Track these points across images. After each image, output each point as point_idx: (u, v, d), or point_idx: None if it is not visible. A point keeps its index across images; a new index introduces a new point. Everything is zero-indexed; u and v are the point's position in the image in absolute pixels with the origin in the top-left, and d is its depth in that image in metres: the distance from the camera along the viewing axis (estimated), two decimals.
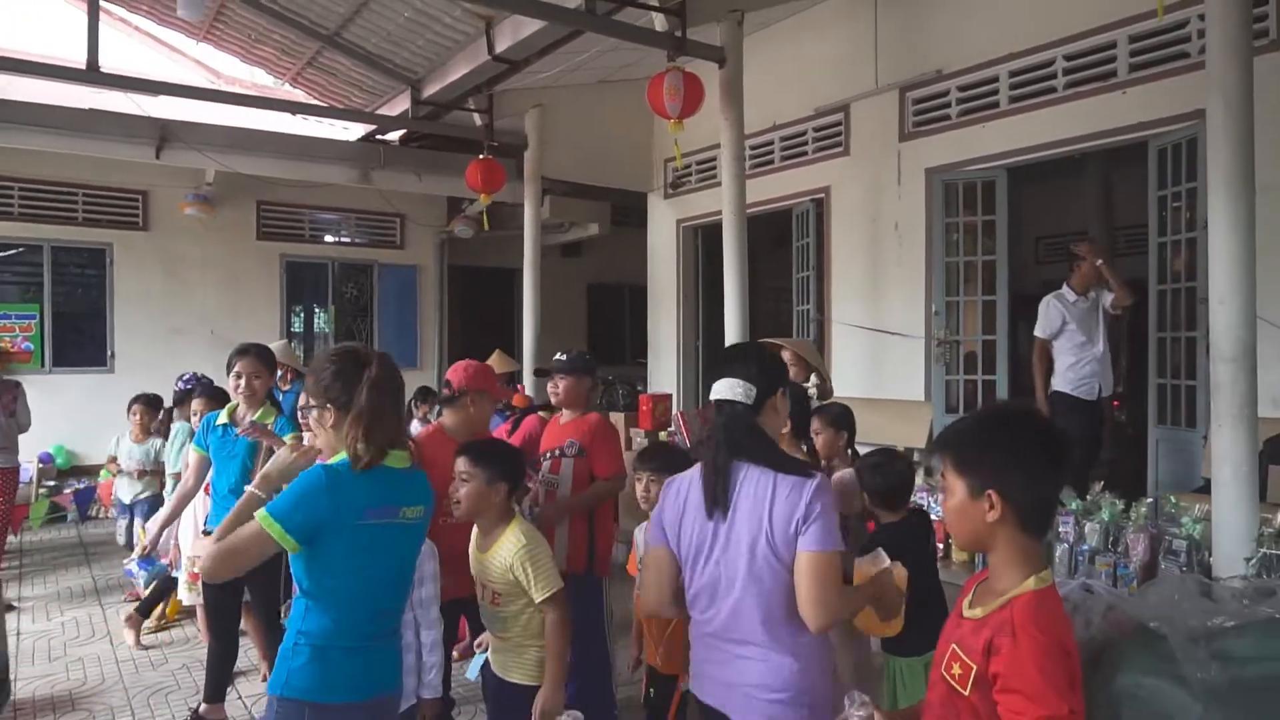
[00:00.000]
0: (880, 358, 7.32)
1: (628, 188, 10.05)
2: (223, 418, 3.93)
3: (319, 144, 9.30)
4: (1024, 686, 1.39)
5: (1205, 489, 4.57)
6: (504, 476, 2.55)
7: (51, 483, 8.44)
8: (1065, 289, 5.94)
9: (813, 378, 5.12)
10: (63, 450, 8.79)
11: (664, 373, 9.89)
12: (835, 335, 7.72)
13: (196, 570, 4.41)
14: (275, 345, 6.44)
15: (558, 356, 3.72)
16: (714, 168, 9.01)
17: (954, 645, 1.53)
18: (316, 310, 10.76)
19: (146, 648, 4.95)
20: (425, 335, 11.05)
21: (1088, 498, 4.70)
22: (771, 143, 8.29)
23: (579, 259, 12.87)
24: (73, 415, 8.82)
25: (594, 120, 9.47)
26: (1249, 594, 3.49)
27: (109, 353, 9.25)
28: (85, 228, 9.18)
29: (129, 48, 10.99)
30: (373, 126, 9.58)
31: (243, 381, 3.86)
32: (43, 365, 8.83)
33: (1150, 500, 4.47)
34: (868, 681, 3.49)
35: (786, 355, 4.55)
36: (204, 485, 4.30)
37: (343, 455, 2.08)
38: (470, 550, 2.67)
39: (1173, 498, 4.43)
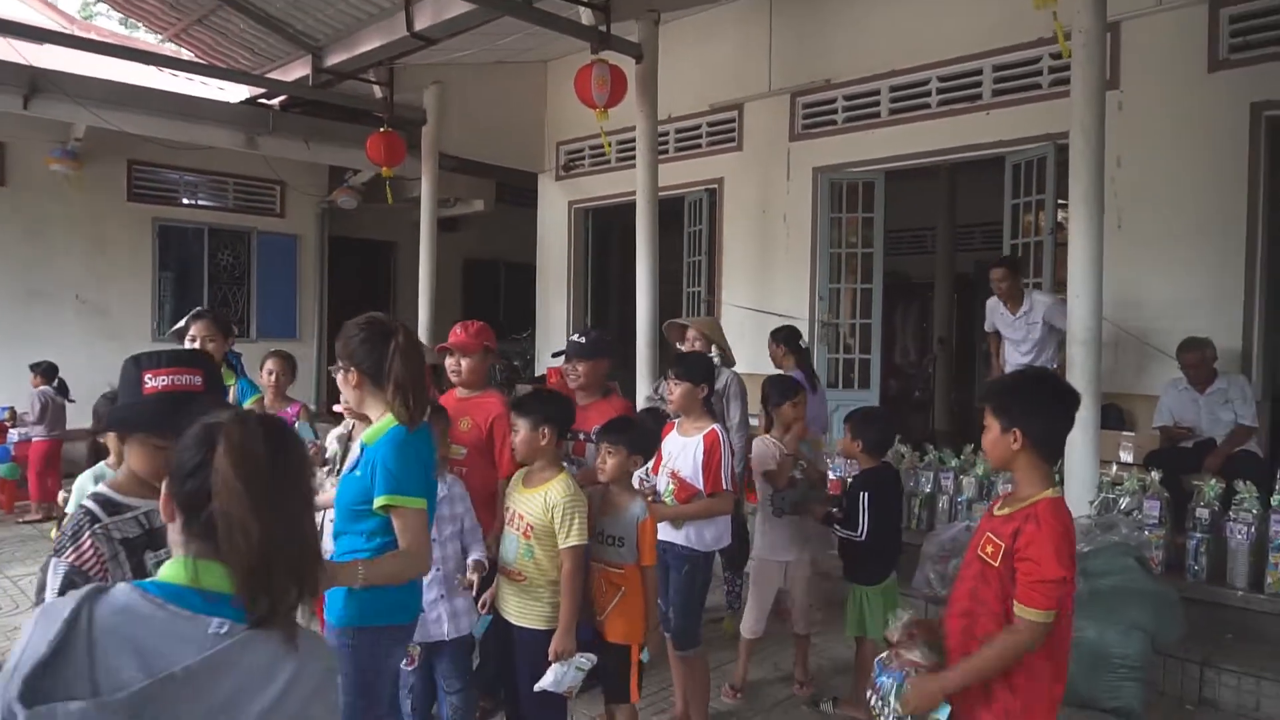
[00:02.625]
0: (765, 337, 8.05)
1: (519, 167, 10.33)
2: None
3: (204, 105, 9.00)
4: (1040, 557, 2.01)
5: None
6: (547, 419, 2.88)
7: None
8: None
9: (713, 349, 5.73)
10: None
11: (554, 347, 10.26)
12: (725, 315, 8.39)
13: None
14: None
15: (575, 338, 3.87)
16: (604, 153, 9.50)
17: (988, 533, 2.14)
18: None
19: None
20: (305, 306, 10.87)
21: (959, 457, 5.60)
22: (667, 134, 8.83)
23: (455, 234, 12.94)
24: None
25: (489, 99, 9.69)
26: (1098, 527, 4.43)
27: None
28: None
29: None
30: (257, 90, 9.34)
31: (196, 344, 3.92)
32: None
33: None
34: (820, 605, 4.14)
35: (690, 332, 5.09)
36: None
37: (385, 421, 2.35)
38: (511, 487, 3.04)
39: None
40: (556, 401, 3.00)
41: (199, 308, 4.43)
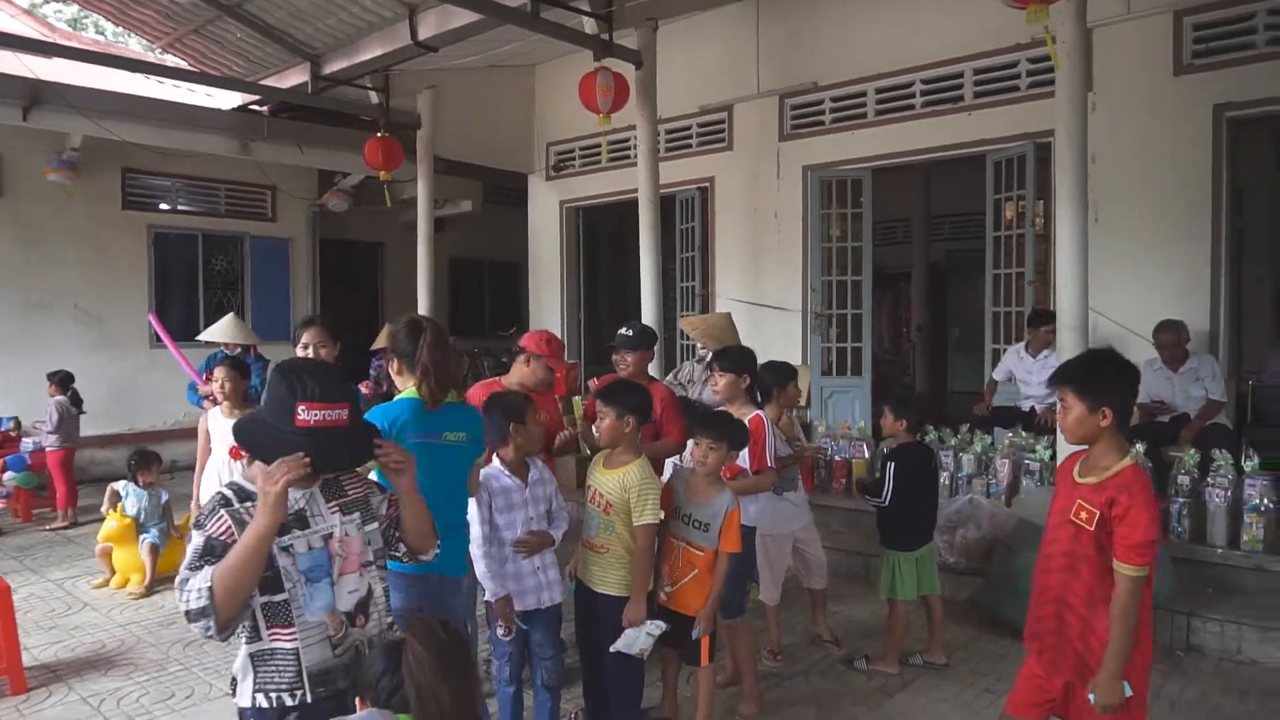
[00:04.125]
0: (760, 328, 8.40)
1: (510, 168, 10.57)
2: None
3: (199, 112, 9.10)
4: (1137, 521, 2.32)
5: (1032, 424, 6.02)
6: (631, 409, 3.20)
7: None
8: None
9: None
10: None
11: None
12: (718, 309, 8.74)
13: None
14: (224, 324, 6.64)
15: (623, 331, 4.21)
16: (597, 154, 9.77)
17: (1079, 500, 2.43)
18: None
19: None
20: (298, 307, 10.97)
21: (957, 437, 6.03)
22: (658, 135, 9.13)
23: (440, 234, 13.05)
24: None
25: (481, 103, 9.93)
26: None
27: None
28: None
29: None
30: (250, 97, 9.46)
31: (309, 351, 4.14)
32: None
33: (1008, 435, 5.82)
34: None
35: (696, 330, 5.45)
36: (231, 449, 4.60)
37: (409, 392, 2.98)
38: (592, 468, 3.34)
39: (1024, 433, 5.79)
40: (639, 393, 3.31)
41: (309, 314, 4.48)
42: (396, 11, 7.56)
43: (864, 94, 7.72)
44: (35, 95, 7.87)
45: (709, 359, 5.26)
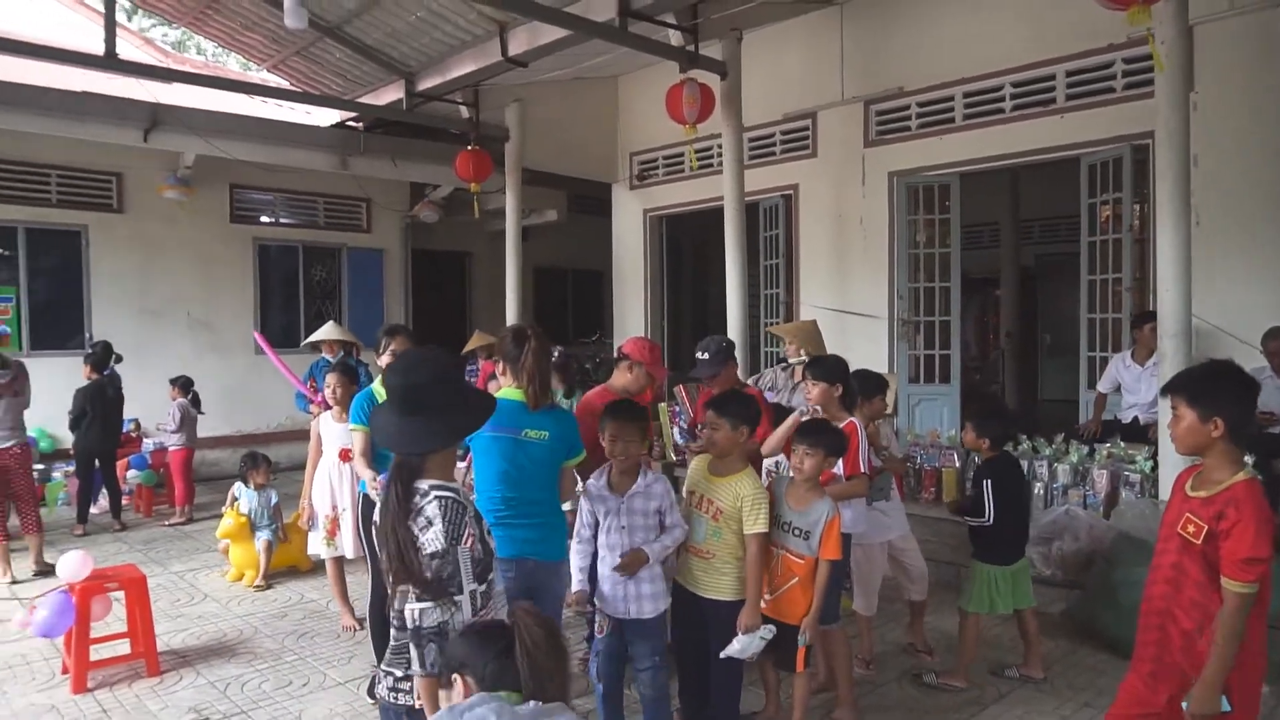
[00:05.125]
0: (844, 335, 8.37)
1: (594, 178, 10.77)
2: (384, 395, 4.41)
3: (300, 130, 9.56)
4: (1243, 537, 2.29)
5: (1132, 435, 5.87)
6: (744, 421, 3.30)
7: (40, 466, 8.41)
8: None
9: (802, 352, 6.09)
10: (44, 433, 8.75)
11: None
12: (802, 316, 8.75)
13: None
14: (327, 326, 6.99)
15: (700, 356, 4.25)
16: (680, 163, 9.91)
17: (1187, 513, 2.41)
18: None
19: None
20: (390, 315, 11.38)
21: (1052, 446, 5.92)
22: (743, 143, 9.20)
23: (526, 243, 13.39)
24: (52, 398, 8.77)
25: (566, 114, 10.15)
26: None
27: (87, 335, 9.21)
28: (60, 209, 9.08)
29: (80, 25, 10.84)
30: (347, 114, 9.89)
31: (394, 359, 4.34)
32: (20, 348, 8.73)
33: (1106, 446, 5.69)
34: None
35: (791, 335, 5.47)
36: (341, 452, 4.85)
37: (505, 391, 3.24)
38: (699, 470, 3.41)
39: (1121, 443, 5.66)
40: (752, 404, 3.42)
41: (394, 323, 4.69)
42: (488, 29, 7.82)
43: (951, 98, 7.64)
44: (155, 118, 8.40)
45: (789, 365, 5.33)
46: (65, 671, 4.35)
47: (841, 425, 3.81)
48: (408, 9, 7.85)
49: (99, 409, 7.38)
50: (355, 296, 11.14)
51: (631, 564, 3.22)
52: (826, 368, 3.99)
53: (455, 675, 1.92)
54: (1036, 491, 5.65)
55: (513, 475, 3.22)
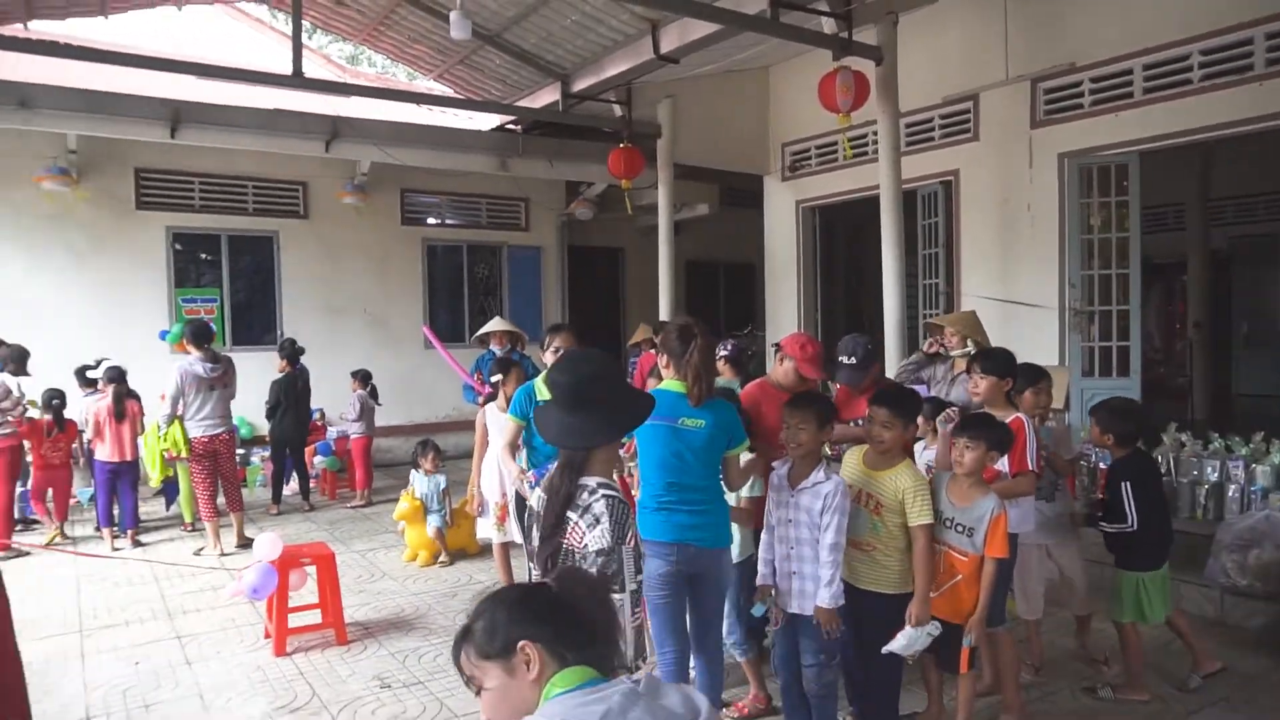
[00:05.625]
0: (1010, 326, 8.00)
1: (745, 171, 10.74)
2: (546, 392, 4.57)
3: (465, 135, 10.06)
4: None
5: None
6: (909, 416, 3.28)
7: (240, 451, 9.27)
8: None
9: (969, 343, 5.84)
10: (244, 421, 9.62)
11: None
12: (964, 306, 8.41)
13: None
14: (495, 320, 7.35)
15: (846, 362, 4.11)
16: (833, 153, 9.73)
17: None
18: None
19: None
20: (548, 310, 11.82)
21: (1250, 446, 5.45)
22: (899, 129, 8.94)
23: (678, 237, 13.54)
24: (249, 390, 9.64)
25: (717, 108, 10.17)
26: None
27: (278, 331, 10.07)
28: (255, 217, 9.98)
29: (260, 44, 11.81)
30: (506, 118, 10.32)
31: (560, 355, 4.50)
32: (224, 344, 9.65)
33: None
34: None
35: (957, 327, 5.23)
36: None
37: (667, 383, 3.33)
38: (855, 464, 3.37)
39: None
40: (913, 398, 3.40)
41: (558, 321, 4.84)
42: (640, 28, 7.96)
43: (1129, 71, 7.12)
44: (335, 130, 9.07)
45: (949, 357, 5.12)
46: (267, 636, 4.81)
47: (1008, 419, 3.67)
48: (563, 13, 8.11)
49: (291, 399, 8.07)
50: (515, 293, 11.61)
51: (828, 621, 3.16)
52: (996, 361, 3.86)
53: (521, 644, 1.49)
54: (1231, 494, 5.22)
55: (672, 463, 3.30)
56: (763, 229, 10.96)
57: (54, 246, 8.97)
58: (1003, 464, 3.68)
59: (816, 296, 10.50)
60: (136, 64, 7.09)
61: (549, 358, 4.63)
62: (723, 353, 4.94)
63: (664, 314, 9.77)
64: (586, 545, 2.19)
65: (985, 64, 8.07)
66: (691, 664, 3.47)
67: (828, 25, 7.09)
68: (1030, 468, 3.69)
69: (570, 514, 2.23)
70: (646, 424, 3.21)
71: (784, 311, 10.62)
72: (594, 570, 2.15)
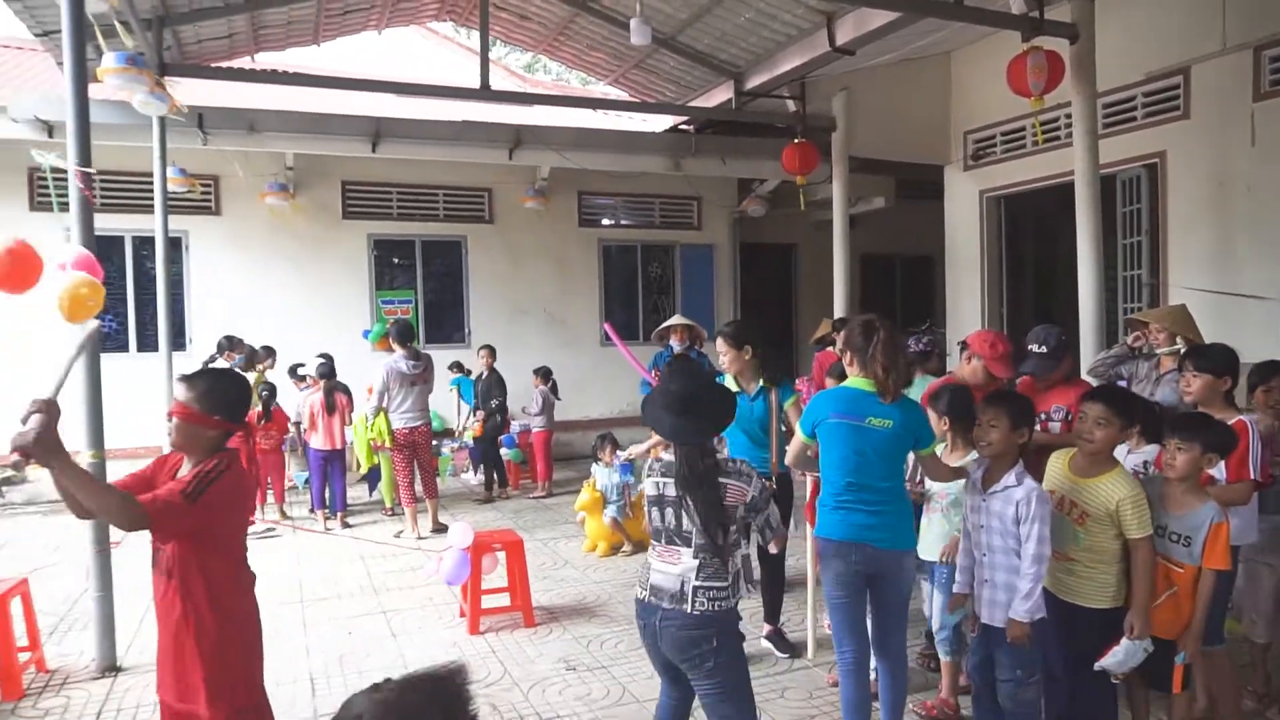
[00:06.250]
0: (1226, 320, 7.29)
1: (924, 161, 10.37)
2: (733, 386, 4.55)
3: (639, 137, 10.29)
4: None
5: None
6: (1127, 418, 3.07)
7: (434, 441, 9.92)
8: None
9: (1177, 340, 5.35)
10: (435, 415, 10.29)
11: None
12: (1172, 299, 7.75)
13: None
14: (676, 317, 7.52)
15: (1036, 349, 3.94)
16: (1021, 138, 9.22)
17: None
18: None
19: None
20: (720, 308, 11.90)
21: None
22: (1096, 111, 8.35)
23: (852, 231, 13.24)
24: (440, 385, 10.30)
25: (894, 98, 9.87)
26: None
27: (466, 330, 10.71)
28: (445, 223, 10.65)
29: (443, 56, 12.55)
30: (679, 119, 10.47)
31: (726, 360, 4.51)
32: (419, 342, 10.34)
33: None
34: None
35: (1168, 323, 4.80)
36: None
37: (854, 381, 3.32)
38: (1059, 470, 3.19)
39: None
40: (1136, 401, 3.24)
41: (728, 321, 4.75)
42: (814, 21, 7.85)
43: None
44: (518, 137, 9.52)
45: (1155, 355, 4.74)
46: (462, 615, 5.15)
47: (1230, 423, 3.38)
48: (737, 12, 8.13)
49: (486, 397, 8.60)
50: (688, 291, 11.77)
51: (1018, 637, 3.00)
52: (1212, 358, 3.56)
53: None
54: None
55: (854, 461, 3.26)
56: (942, 221, 10.54)
57: (274, 255, 9.94)
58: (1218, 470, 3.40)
59: (1001, 290, 9.98)
60: (345, 86, 7.76)
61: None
62: (916, 348, 4.90)
63: (839, 309, 9.60)
64: (752, 495, 2.73)
65: (1197, 34, 7.40)
66: (874, 665, 3.43)
67: (1016, 4, 6.73)
68: (1253, 475, 3.38)
69: (722, 479, 2.71)
70: (831, 420, 3.31)
71: (966, 306, 10.18)
72: (765, 510, 2.82)
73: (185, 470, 2.53)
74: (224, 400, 2.57)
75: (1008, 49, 6.80)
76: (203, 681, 2.49)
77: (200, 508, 2.35)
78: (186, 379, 2.58)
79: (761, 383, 4.55)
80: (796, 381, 7.80)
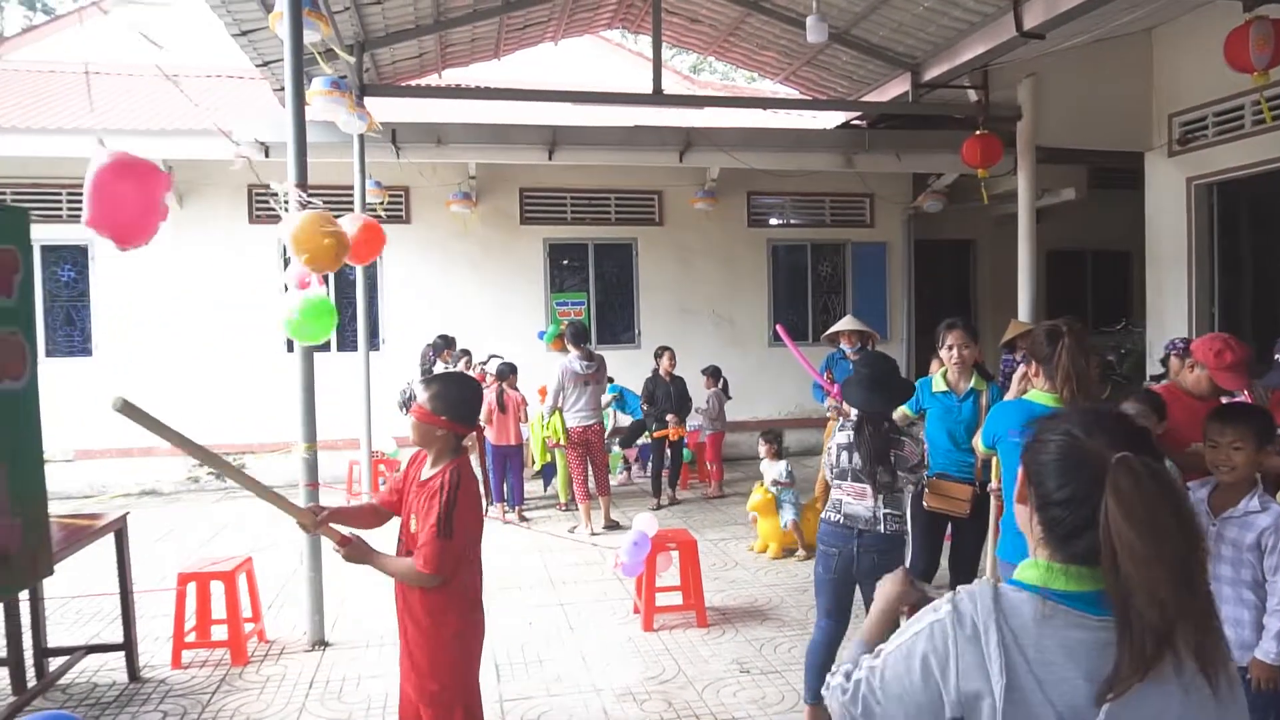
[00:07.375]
0: None
1: (1121, 148, 9.62)
2: (940, 384, 4.44)
3: (810, 135, 10.14)
4: None
5: None
6: (1268, 441, 2.82)
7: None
8: None
9: None
10: (605, 414, 10.53)
11: (1169, 340, 9.36)
12: None
13: None
14: (846, 319, 7.34)
15: None
16: (1238, 119, 8.40)
17: None
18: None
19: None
20: (894, 308, 11.53)
21: None
22: None
23: (1038, 225, 12.46)
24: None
25: (1087, 83, 9.21)
26: None
27: (635, 330, 10.92)
28: (617, 226, 10.89)
29: (613, 63, 12.80)
30: (851, 115, 10.22)
31: (954, 352, 4.35)
32: (592, 343, 10.64)
33: None
34: None
35: None
36: None
37: (1038, 395, 3.22)
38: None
39: None
40: (1262, 420, 2.90)
41: (951, 319, 4.46)
42: (999, 6, 7.44)
43: None
44: (688, 140, 9.60)
45: None
46: (635, 611, 5.25)
47: None
48: (916, 1, 7.85)
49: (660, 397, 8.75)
50: (860, 290, 11.47)
51: (1267, 679, 2.70)
52: None
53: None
54: None
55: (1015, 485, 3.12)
56: (1141, 212, 9.74)
57: (458, 260, 10.50)
58: None
59: (1212, 289, 9.11)
60: (526, 98, 8.07)
61: (945, 356, 4.39)
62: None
63: (1023, 308, 9.08)
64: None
65: None
66: None
67: None
68: None
69: (900, 437, 3.60)
70: (1011, 440, 3.20)
71: (1171, 306, 9.36)
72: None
73: (428, 469, 2.83)
74: (450, 402, 2.81)
75: (1222, 21, 6.23)
76: (430, 672, 2.80)
77: (459, 536, 2.73)
78: (425, 381, 2.88)
79: (973, 384, 4.36)
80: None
